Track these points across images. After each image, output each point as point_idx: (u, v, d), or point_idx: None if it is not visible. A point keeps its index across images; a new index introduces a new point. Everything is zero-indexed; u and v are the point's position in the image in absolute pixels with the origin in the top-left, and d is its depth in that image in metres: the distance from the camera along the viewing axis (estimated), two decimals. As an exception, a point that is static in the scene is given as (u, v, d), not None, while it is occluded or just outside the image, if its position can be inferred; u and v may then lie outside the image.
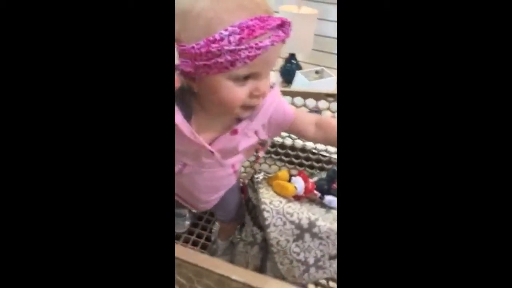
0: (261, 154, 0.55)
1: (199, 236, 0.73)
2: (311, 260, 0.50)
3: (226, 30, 0.31)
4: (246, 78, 0.35)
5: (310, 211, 0.51)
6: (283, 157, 0.75)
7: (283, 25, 0.34)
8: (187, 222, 0.73)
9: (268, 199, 0.51)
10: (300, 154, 0.73)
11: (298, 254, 0.50)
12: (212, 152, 0.43)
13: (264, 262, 0.56)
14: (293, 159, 0.74)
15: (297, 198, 0.55)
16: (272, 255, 0.51)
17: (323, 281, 0.61)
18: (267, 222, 0.49)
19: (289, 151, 0.73)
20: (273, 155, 0.76)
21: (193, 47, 0.32)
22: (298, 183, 0.54)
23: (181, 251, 0.33)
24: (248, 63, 0.32)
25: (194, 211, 0.66)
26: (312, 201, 0.57)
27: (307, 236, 0.49)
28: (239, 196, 0.60)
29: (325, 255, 0.50)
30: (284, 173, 0.55)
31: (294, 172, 0.62)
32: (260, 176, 0.56)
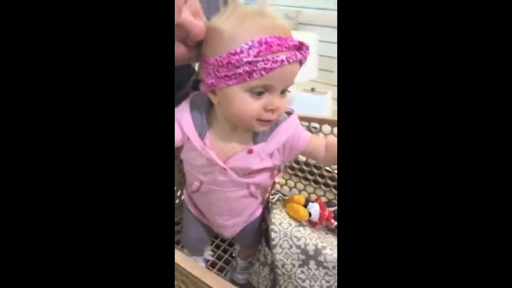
0: (277, 179, 0.56)
1: (219, 257, 0.75)
2: (316, 290, 0.49)
3: (246, 44, 0.35)
4: (262, 92, 0.38)
5: (320, 238, 0.50)
6: (298, 172, 0.77)
7: (300, 47, 0.38)
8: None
9: (279, 220, 0.52)
10: (315, 170, 0.74)
11: (304, 281, 0.49)
12: (225, 169, 0.45)
13: (274, 284, 0.56)
14: (308, 175, 0.75)
15: (312, 224, 0.54)
16: (277, 277, 0.51)
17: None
18: (273, 243, 0.50)
19: (304, 167, 0.75)
20: (289, 170, 0.78)
21: (216, 59, 0.37)
22: (314, 209, 0.54)
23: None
24: (264, 76, 0.36)
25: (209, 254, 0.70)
26: (330, 230, 0.56)
27: (312, 263, 0.48)
28: (260, 225, 0.59)
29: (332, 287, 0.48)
30: (300, 197, 0.55)
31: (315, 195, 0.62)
32: (276, 197, 0.57)
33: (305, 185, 0.77)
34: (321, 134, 0.65)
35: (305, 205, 0.56)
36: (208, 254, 0.73)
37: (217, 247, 0.77)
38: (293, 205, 0.54)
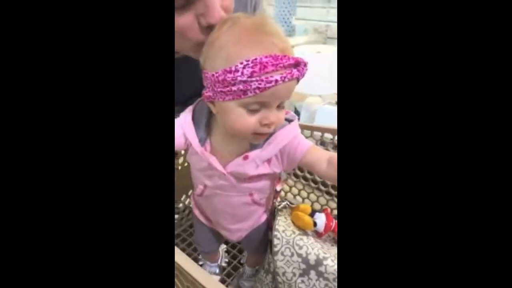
0: (278, 188, 0.56)
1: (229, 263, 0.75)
2: (317, 302, 0.47)
3: (241, 63, 0.35)
4: (257, 108, 0.39)
5: (323, 249, 0.49)
6: (302, 180, 0.76)
7: (298, 64, 0.38)
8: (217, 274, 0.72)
9: (283, 227, 0.52)
10: (318, 178, 0.73)
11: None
12: (224, 174, 0.47)
13: (275, 293, 0.55)
14: (311, 183, 0.75)
15: (318, 235, 0.53)
16: (278, 285, 0.50)
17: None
18: (275, 250, 0.50)
19: (307, 174, 0.75)
20: (293, 177, 0.78)
21: (213, 75, 0.38)
22: (320, 219, 0.53)
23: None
24: (258, 94, 0.37)
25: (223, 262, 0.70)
26: (336, 241, 0.54)
27: (312, 274, 0.47)
28: (266, 233, 0.59)
29: (333, 301, 0.47)
30: (306, 206, 0.55)
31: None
32: (282, 204, 0.57)
33: (308, 193, 0.76)
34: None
35: (312, 215, 0.55)
36: (224, 261, 0.74)
37: (227, 252, 0.78)
38: (298, 214, 0.53)
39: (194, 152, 0.47)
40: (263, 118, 0.40)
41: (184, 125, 0.47)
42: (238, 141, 0.46)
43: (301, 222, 0.52)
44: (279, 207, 0.57)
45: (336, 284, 0.46)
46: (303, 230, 0.52)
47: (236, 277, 0.72)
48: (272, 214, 0.59)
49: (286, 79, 0.36)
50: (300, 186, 0.78)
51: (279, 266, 0.49)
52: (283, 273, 0.49)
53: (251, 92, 0.36)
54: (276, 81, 0.36)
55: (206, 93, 0.41)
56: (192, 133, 0.46)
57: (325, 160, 0.45)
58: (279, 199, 0.60)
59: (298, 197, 0.78)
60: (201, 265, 0.72)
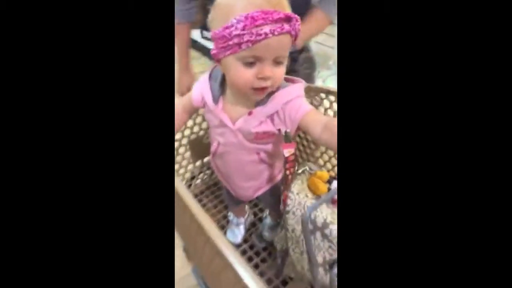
0: (286, 153, 0.54)
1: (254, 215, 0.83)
2: (319, 259, 0.52)
3: (235, 19, 0.39)
4: (253, 62, 0.42)
5: (332, 215, 0.52)
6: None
7: (289, 19, 0.40)
8: (242, 233, 0.81)
9: (297, 190, 0.56)
10: None
11: (307, 245, 0.53)
12: (233, 131, 0.52)
13: (287, 245, 0.61)
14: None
15: (332, 201, 0.57)
16: (287, 240, 0.56)
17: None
18: (287, 209, 0.55)
19: None
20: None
21: (215, 33, 0.42)
22: (334, 187, 0.56)
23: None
24: (250, 47, 0.40)
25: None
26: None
27: (318, 234, 0.51)
28: (277, 198, 0.61)
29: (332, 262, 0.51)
30: (324, 173, 0.58)
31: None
32: (302, 168, 0.60)
33: (330, 157, 0.77)
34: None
35: (330, 181, 0.58)
36: (250, 218, 0.82)
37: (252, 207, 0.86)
38: (314, 180, 0.57)
39: (209, 110, 0.54)
40: (258, 72, 0.43)
41: (201, 85, 0.54)
42: (245, 100, 0.50)
43: (316, 188, 0.56)
44: (298, 171, 0.60)
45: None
46: (317, 195, 0.56)
47: (260, 228, 0.80)
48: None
49: (276, 32, 0.39)
50: (323, 149, 0.79)
51: (289, 224, 0.55)
52: (293, 230, 0.54)
53: (244, 45, 0.40)
54: (266, 34, 0.39)
55: (213, 51, 0.45)
56: (207, 91, 0.52)
57: (322, 124, 0.45)
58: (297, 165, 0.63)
59: (320, 160, 0.80)
60: (228, 221, 0.81)
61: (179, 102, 0.59)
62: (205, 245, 0.41)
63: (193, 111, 0.61)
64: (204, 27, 2.38)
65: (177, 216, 0.41)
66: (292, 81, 0.52)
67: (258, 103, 0.49)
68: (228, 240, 0.33)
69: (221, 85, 0.52)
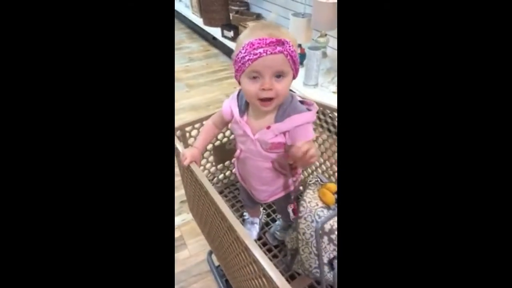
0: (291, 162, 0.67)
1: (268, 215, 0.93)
2: (325, 259, 0.61)
3: (243, 47, 0.52)
4: (256, 76, 0.54)
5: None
6: None
7: (282, 43, 0.51)
8: (257, 231, 0.89)
9: (309, 198, 0.64)
10: None
11: (316, 249, 0.62)
12: (253, 140, 0.62)
13: (297, 245, 0.71)
14: None
15: (339, 210, 0.65)
16: (298, 241, 0.65)
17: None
18: (300, 214, 0.63)
19: None
20: None
21: (234, 60, 0.55)
22: (342, 198, 0.64)
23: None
24: (251, 64, 0.52)
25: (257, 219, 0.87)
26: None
27: (325, 238, 0.60)
28: (286, 205, 0.70)
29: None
30: (332, 185, 0.66)
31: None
32: (314, 179, 0.69)
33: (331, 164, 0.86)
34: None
35: (337, 193, 0.67)
36: (264, 218, 0.92)
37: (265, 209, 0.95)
38: (324, 191, 0.65)
39: (235, 121, 0.65)
40: (261, 85, 0.54)
41: (231, 101, 0.65)
42: (266, 116, 0.61)
43: (324, 198, 0.64)
44: (310, 182, 0.69)
45: (341, 250, 0.59)
46: (326, 205, 0.65)
47: (273, 227, 0.89)
48: (304, 186, 0.72)
49: (268, 52, 0.51)
50: (326, 156, 0.87)
51: (301, 228, 0.64)
52: (303, 233, 0.63)
53: (247, 63, 0.52)
54: (260, 53, 0.51)
55: (234, 75, 0.57)
56: (235, 106, 0.64)
57: (301, 151, 0.53)
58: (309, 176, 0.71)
59: (323, 166, 0.88)
60: (244, 220, 0.91)
61: (210, 119, 0.72)
62: (232, 242, 0.51)
63: (223, 125, 0.72)
64: (224, 26, 2.47)
65: (202, 212, 0.51)
66: (307, 104, 0.62)
67: (276, 120, 0.60)
68: (254, 239, 0.42)
69: (246, 103, 0.64)
